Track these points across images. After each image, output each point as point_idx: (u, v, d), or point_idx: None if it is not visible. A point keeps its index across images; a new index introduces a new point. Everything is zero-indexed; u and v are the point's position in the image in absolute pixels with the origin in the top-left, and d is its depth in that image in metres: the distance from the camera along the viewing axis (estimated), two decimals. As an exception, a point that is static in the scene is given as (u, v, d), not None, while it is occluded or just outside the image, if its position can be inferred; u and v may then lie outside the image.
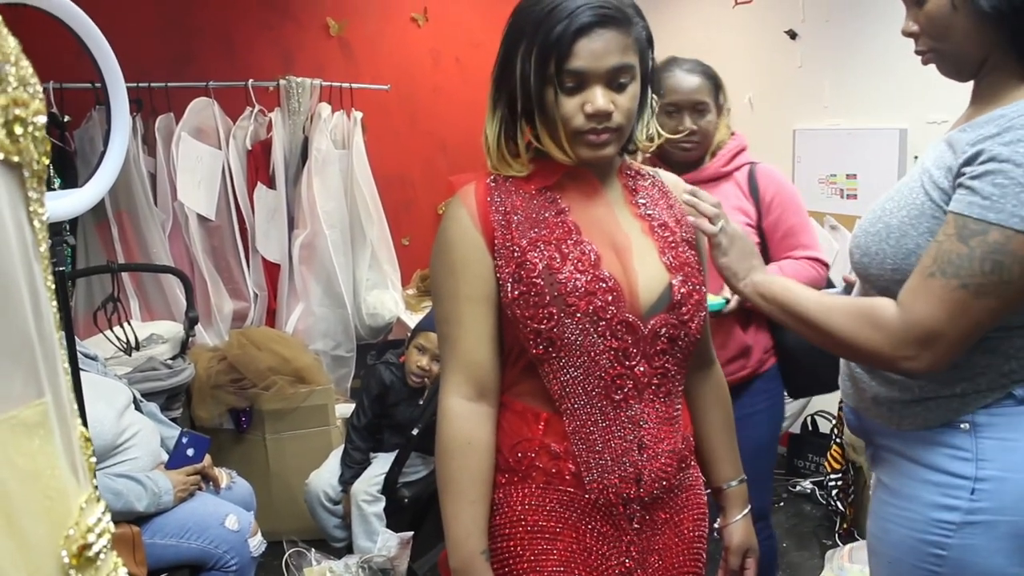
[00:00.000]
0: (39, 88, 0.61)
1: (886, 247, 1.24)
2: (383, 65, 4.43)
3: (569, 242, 1.23)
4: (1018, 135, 1.11)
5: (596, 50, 1.17)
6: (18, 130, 0.57)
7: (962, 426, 1.22)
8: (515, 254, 1.23)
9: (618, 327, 1.22)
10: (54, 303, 0.63)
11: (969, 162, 1.15)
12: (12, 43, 0.58)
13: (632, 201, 1.33)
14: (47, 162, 0.62)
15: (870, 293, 1.31)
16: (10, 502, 0.55)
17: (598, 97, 1.19)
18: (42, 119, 0.60)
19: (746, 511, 1.45)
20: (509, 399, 1.29)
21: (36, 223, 0.61)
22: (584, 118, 1.19)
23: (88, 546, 0.61)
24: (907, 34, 1.29)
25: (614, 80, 1.20)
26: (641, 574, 1.28)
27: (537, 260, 1.21)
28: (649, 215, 1.33)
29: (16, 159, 0.57)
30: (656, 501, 1.29)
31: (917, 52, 1.31)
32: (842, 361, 1.41)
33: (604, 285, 1.21)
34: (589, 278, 1.21)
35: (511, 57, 1.22)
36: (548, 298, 1.20)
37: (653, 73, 1.30)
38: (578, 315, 1.20)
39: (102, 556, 0.63)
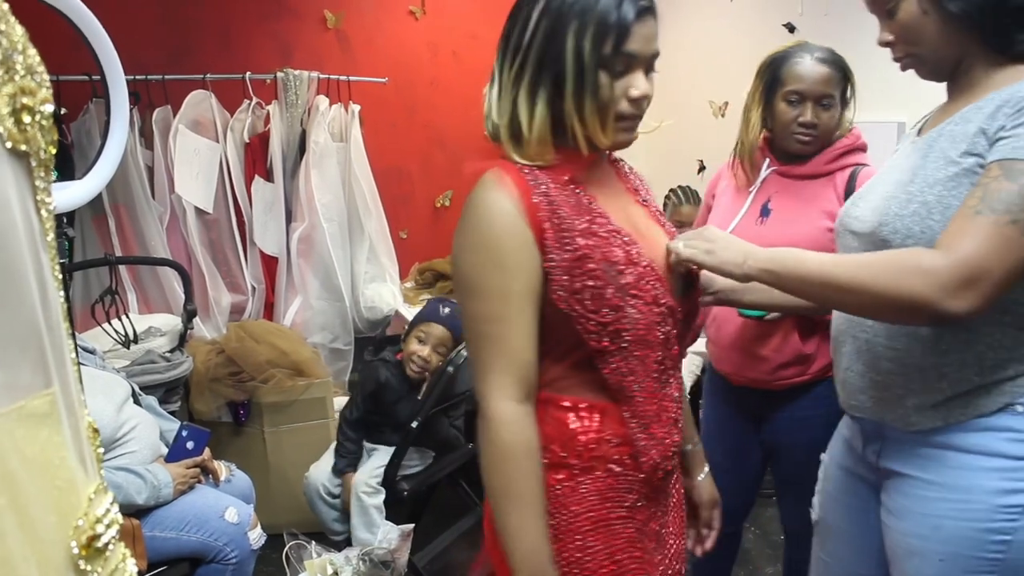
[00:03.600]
0: (46, 77, 0.60)
1: (932, 223, 1.23)
2: (381, 58, 4.42)
3: (610, 231, 1.22)
4: None
5: (647, 35, 1.18)
6: (26, 119, 0.57)
7: (1018, 407, 1.23)
8: (570, 247, 1.19)
9: (666, 312, 1.24)
10: (61, 293, 0.63)
11: (1008, 116, 1.18)
12: (19, 31, 0.57)
13: (630, 188, 1.35)
14: (54, 151, 0.62)
15: None
16: (20, 493, 0.55)
17: (643, 81, 1.20)
18: (49, 108, 0.60)
19: (707, 469, 1.52)
20: (551, 395, 1.25)
21: (43, 212, 0.61)
22: (627, 102, 1.20)
23: (97, 537, 0.61)
24: (883, 44, 1.35)
25: (650, 67, 1.22)
26: (668, 539, 1.34)
27: (594, 252, 1.19)
28: (646, 201, 1.36)
29: (24, 148, 0.57)
30: (672, 472, 1.34)
31: (895, 59, 1.36)
32: (861, 376, 1.38)
33: (652, 272, 1.22)
34: (642, 267, 1.21)
35: (558, 38, 1.17)
36: (611, 290, 1.18)
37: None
38: (640, 304, 1.20)
39: (111, 547, 0.63)
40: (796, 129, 1.99)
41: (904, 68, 1.37)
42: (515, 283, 1.17)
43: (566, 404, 1.24)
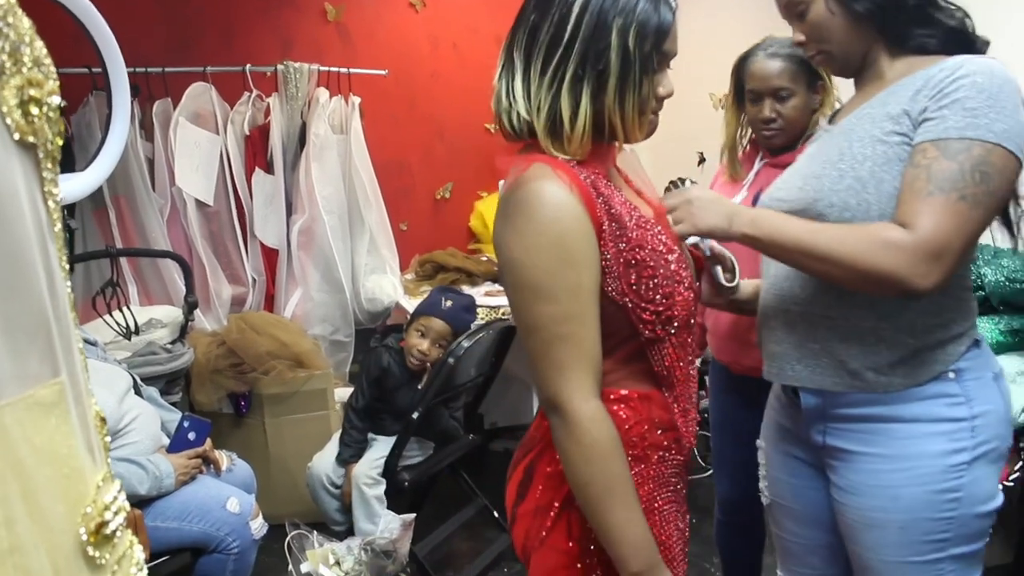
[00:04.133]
0: (53, 69, 0.61)
1: (868, 196, 1.31)
2: (381, 50, 4.42)
3: (645, 221, 1.24)
4: (964, 81, 1.25)
5: (676, 35, 1.22)
6: (33, 110, 0.57)
7: (950, 375, 1.34)
8: (623, 240, 1.19)
9: (695, 295, 1.28)
10: (68, 283, 0.64)
11: (929, 99, 1.27)
12: (26, 24, 0.58)
13: (627, 178, 1.37)
14: (61, 143, 0.62)
15: None
16: (29, 481, 0.56)
17: (671, 81, 1.24)
18: (56, 99, 0.60)
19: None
20: (603, 390, 1.22)
21: (51, 203, 0.61)
22: (655, 100, 1.23)
23: (105, 524, 0.62)
24: (796, 44, 1.46)
25: (669, 66, 1.25)
26: (685, 517, 1.36)
27: (643, 242, 1.20)
28: (640, 191, 1.38)
29: (31, 139, 0.58)
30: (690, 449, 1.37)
31: (808, 57, 1.47)
32: (797, 347, 1.43)
33: (683, 257, 1.26)
34: (677, 253, 1.24)
35: (603, 34, 1.17)
36: (660, 279, 1.20)
37: None
38: (682, 289, 1.22)
39: (118, 534, 0.64)
40: (760, 126, 2.07)
41: (817, 65, 1.52)
42: (585, 278, 1.16)
43: (616, 396, 1.24)
